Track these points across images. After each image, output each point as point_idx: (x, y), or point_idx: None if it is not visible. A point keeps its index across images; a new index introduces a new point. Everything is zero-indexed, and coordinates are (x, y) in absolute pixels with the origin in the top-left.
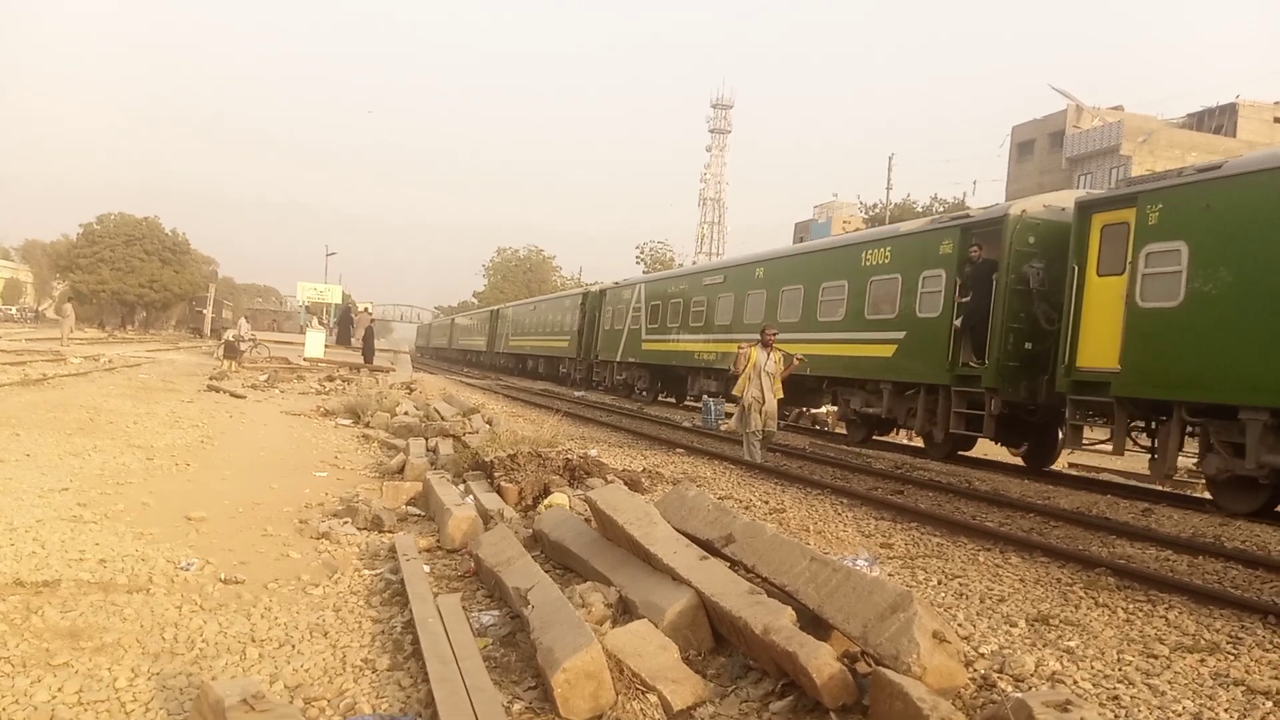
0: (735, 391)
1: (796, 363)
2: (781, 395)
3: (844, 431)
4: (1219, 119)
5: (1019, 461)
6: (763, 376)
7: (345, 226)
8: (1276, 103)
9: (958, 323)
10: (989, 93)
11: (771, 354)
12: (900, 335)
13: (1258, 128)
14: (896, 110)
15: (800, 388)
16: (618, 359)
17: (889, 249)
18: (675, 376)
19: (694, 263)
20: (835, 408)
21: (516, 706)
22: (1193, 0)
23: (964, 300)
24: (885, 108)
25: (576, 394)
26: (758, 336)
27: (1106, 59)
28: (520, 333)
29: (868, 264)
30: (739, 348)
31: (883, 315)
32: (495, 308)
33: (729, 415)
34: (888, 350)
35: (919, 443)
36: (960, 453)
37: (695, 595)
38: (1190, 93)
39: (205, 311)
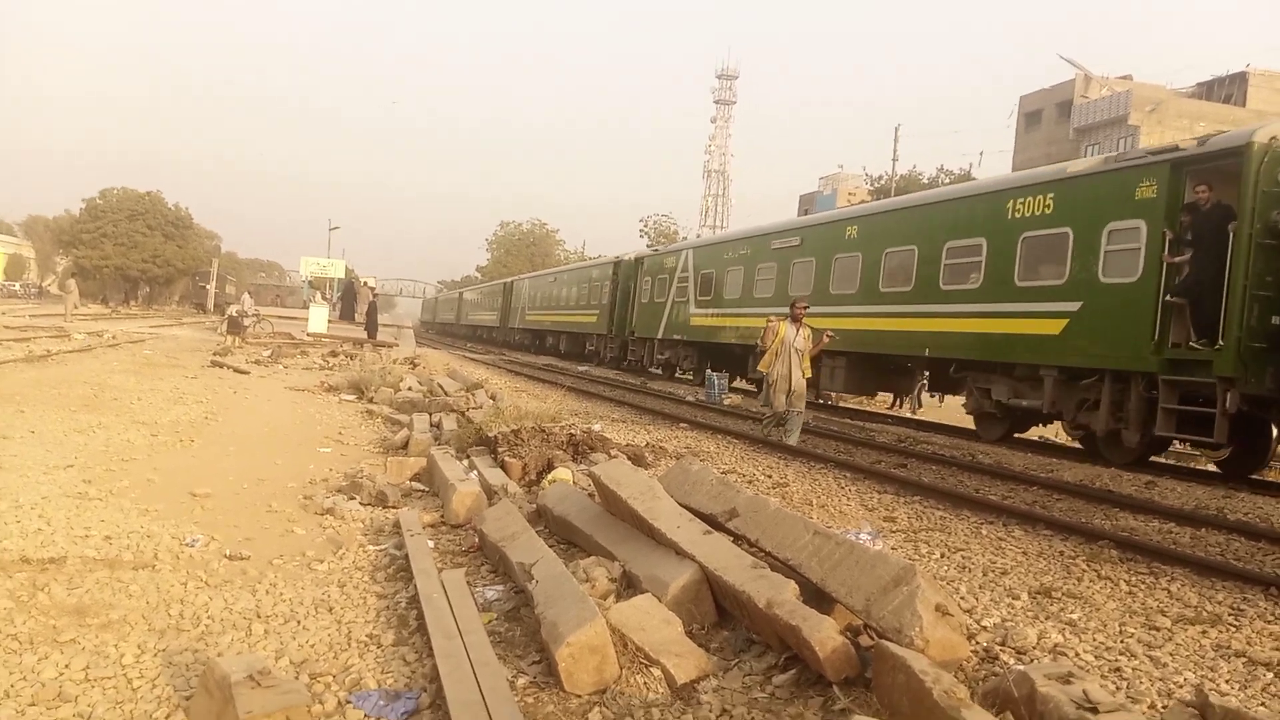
0: (761, 367)
1: (827, 339)
2: (809, 374)
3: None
4: (1229, 88)
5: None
6: (791, 353)
7: (349, 201)
8: None
9: (1171, 294)
10: (995, 64)
11: (801, 329)
12: (1073, 307)
13: (1268, 96)
14: (902, 82)
15: (887, 368)
16: (659, 336)
17: (1051, 196)
18: (731, 356)
19: (698, 232)
20: (964, 397)
21: (521, 681)
22: None
23: (1180, 259)
24: (890, 79)
25: (579, 369)
26: (861, 308)
27: (1116, 31)
28: (538, 307)
29: (1018, 216)
30: (767, 321)
31: (1044, 281)
32: (509, 280)
33: (753, 390)
34: (1054, 326)
35: (1064, 438)
36: (1151, 458)
37: (699, 569)
38: (1194, 65)
39: (209, 287)
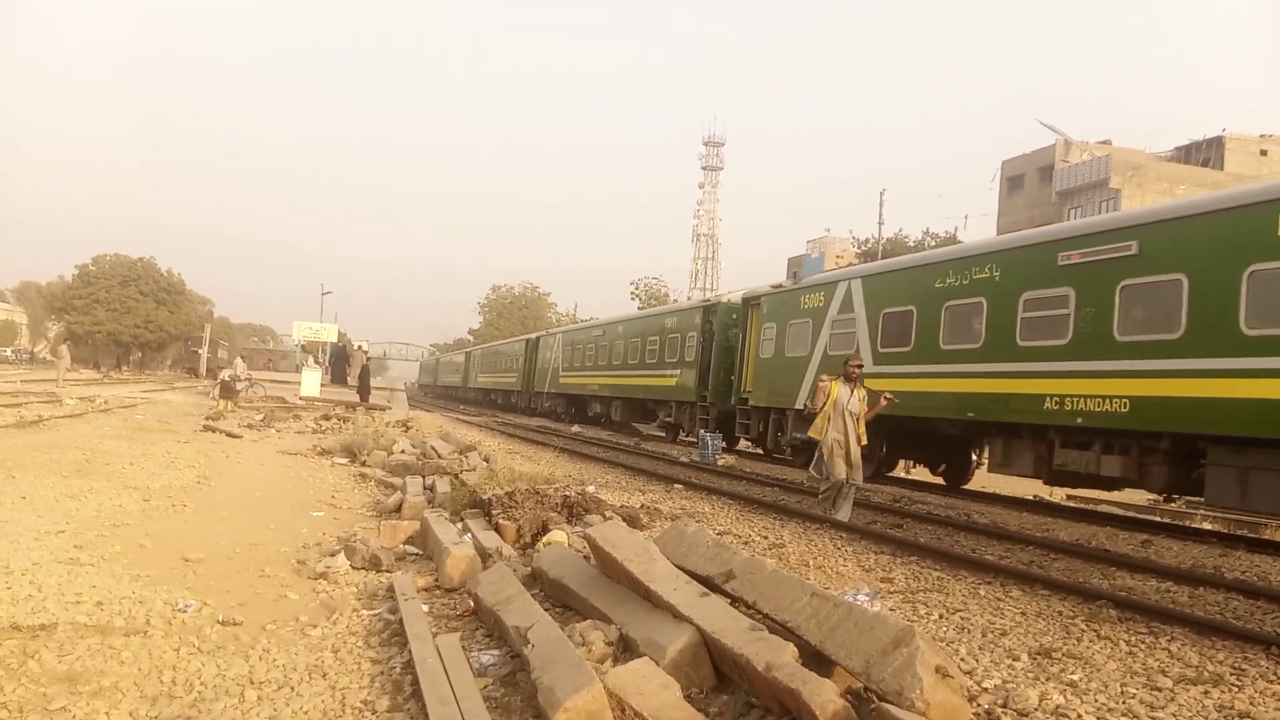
0: (812, 433)
1: (885, 401)
2: (865, 441)
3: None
4: (1206, 152)
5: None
6: (845, 416)
7: (340, 266)
8: (1262, 136)
9: None
10: (977, 129)
11: (856, 390)
12: None
13: (1244, 160)
14: (886, 147)
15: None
16: (795, 405)
17: None
18: (935, 437)
19: (688, 295)
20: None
21: None
22: (1180, 39)
23: None
24: (875, 144)
25: (573, 430)
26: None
27: (1093, 95)
28: (580, 367)
29: None
30: (820, 381)
31: None
32: (535, 335)
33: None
34: None
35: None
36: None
37: (696, 632)
38: (1170, 129)
39: (201, 351)
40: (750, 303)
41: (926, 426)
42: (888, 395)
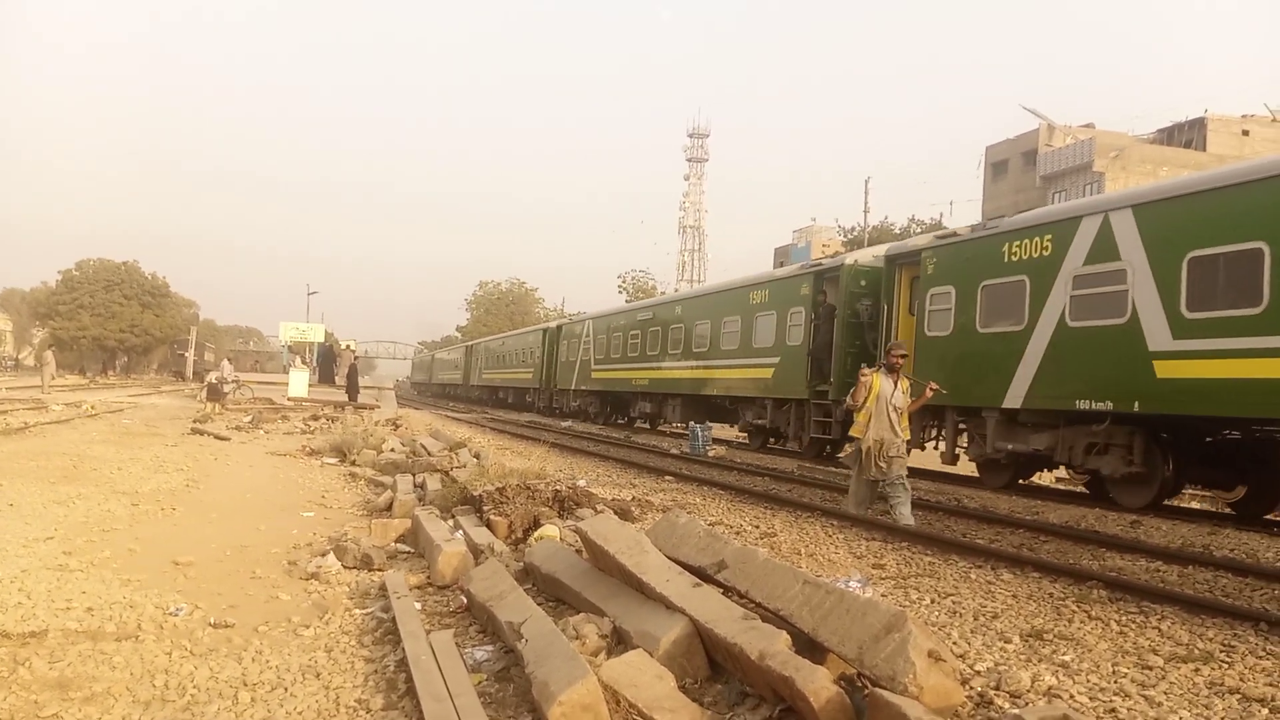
0: (854, 432)
1: (930, 392)
2: (909, 435)
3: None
4: (1188, 134)
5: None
6: (889, 412)
7: (326, 265)
8: (1244, 116)
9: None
10: (961, 117)
11: (899, 382)
12: None
13: (1226, 140)
14: (871, 135)
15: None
16: (1002, 403)
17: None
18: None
19: (675, 287)
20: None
21: None
22: (1160, 24)
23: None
24: (859, 133)
25: (563, 424)
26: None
27: (1076, 79)
28: (620, 359)
29: None
30: (861, 373)
31: None
32: (554, 324)
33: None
34: None
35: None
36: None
37: (689, 623)
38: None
39: (187, 354)
40: (899, 261)
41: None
42: (933, 385)
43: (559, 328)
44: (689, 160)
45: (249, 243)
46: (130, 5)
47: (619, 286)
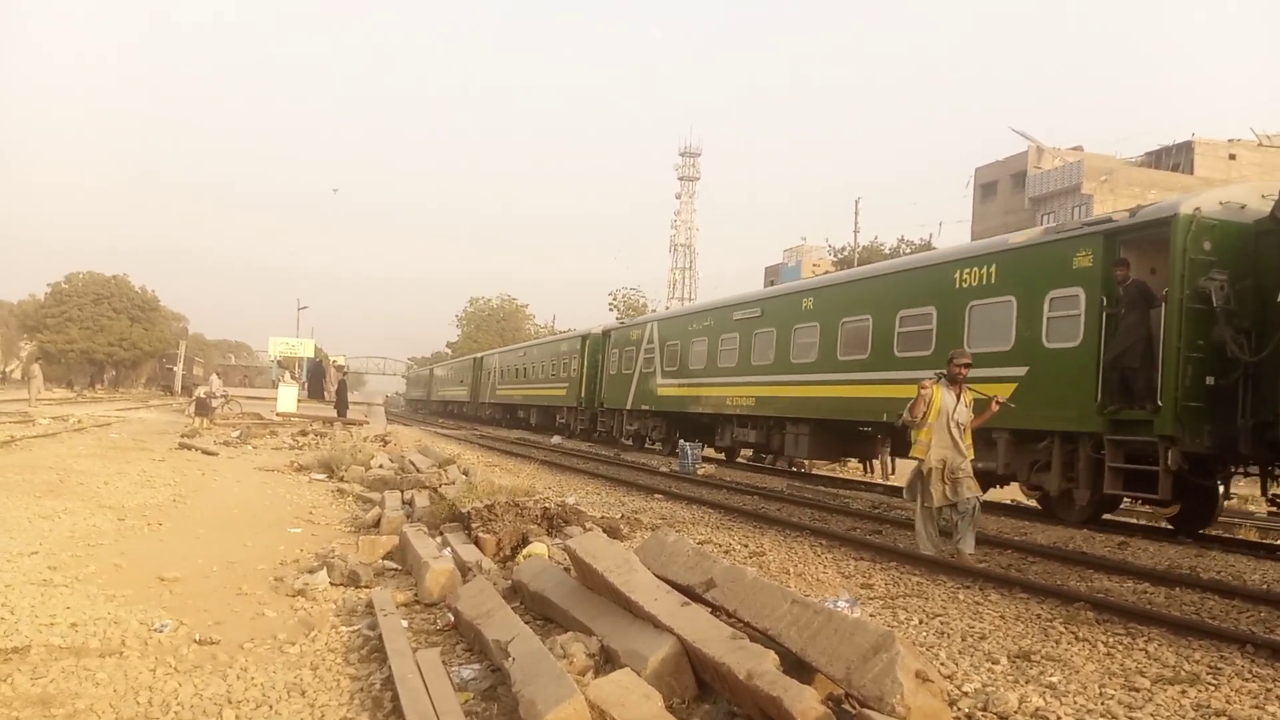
0: (915, 454)
1: (996, 406)
2: (972, 454)
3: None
4: (1176, 157)
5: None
6: (950, 428)
7: (316, 281)
8: (1230, 140)
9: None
10: (951, 138)
11: (962, 395)
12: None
13: (1213, 164)
14: (861, 156)
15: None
16: None
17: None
18: None
19: (666, 305)
20: None
21: None
22: (1150, 45)
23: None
24: (849, 155)
25: (552, 441)
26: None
27: (1066, 103)
28: (701, 372)
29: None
30: (920, 387)
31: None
32: (598, 329)
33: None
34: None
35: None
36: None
37: (677, 642)
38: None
39: (175, 369)
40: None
41: None
42: (999, 399)
43: (606, 333)
44: (680, 179)
45: (239, 257)
46: (122, 15)
47: (610, 304)
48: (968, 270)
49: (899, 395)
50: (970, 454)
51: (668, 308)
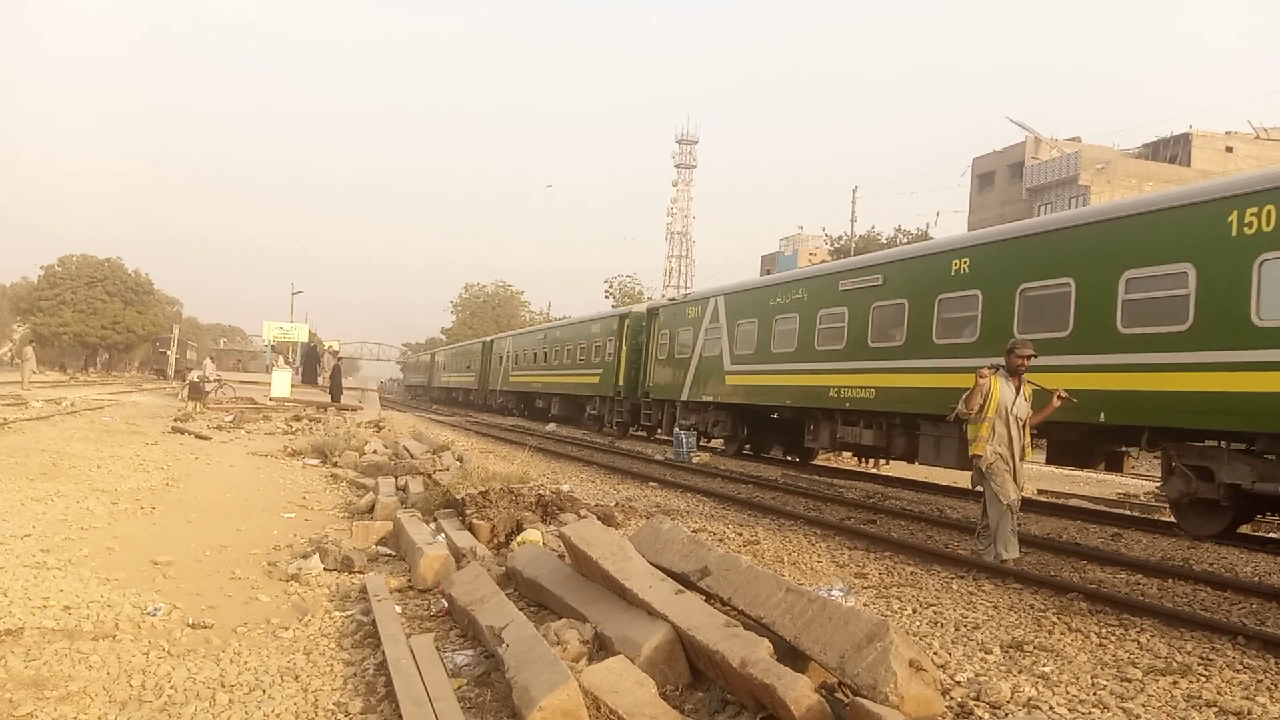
0: (976, 450)
1: (1058, 401)
2: (1030, 454)
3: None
4: (1173, 149)
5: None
6: (1010, 423)
7: (311, 265)
8: (1227, 133)
9: None
10: (949, 128)
11: (1021, 388)
12: None
13: (1211, 156)
14: (858, 146)
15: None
16: None
17: None
18: None
19: (663, 293)
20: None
21: None
22: (1147, 37)
23: None
24: (848, 144)
25: (546, 428)
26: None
27: (1063, 90)
28: (791, 356)
29: None
30: (978, 376)
31: None
32: (640, 307)
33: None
34: None
35: None
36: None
37: (671, 629)
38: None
39: (169, 352)
40: None
41: None
42: (1062, 393)
43: (653, 312)
44: (677, 166)
45: (233, 241)
46: (121, 3)
47: (606, 292)
48: (1255, 209)
49: (1129, 387)
50: (1028, 453)
51: (664, 295)
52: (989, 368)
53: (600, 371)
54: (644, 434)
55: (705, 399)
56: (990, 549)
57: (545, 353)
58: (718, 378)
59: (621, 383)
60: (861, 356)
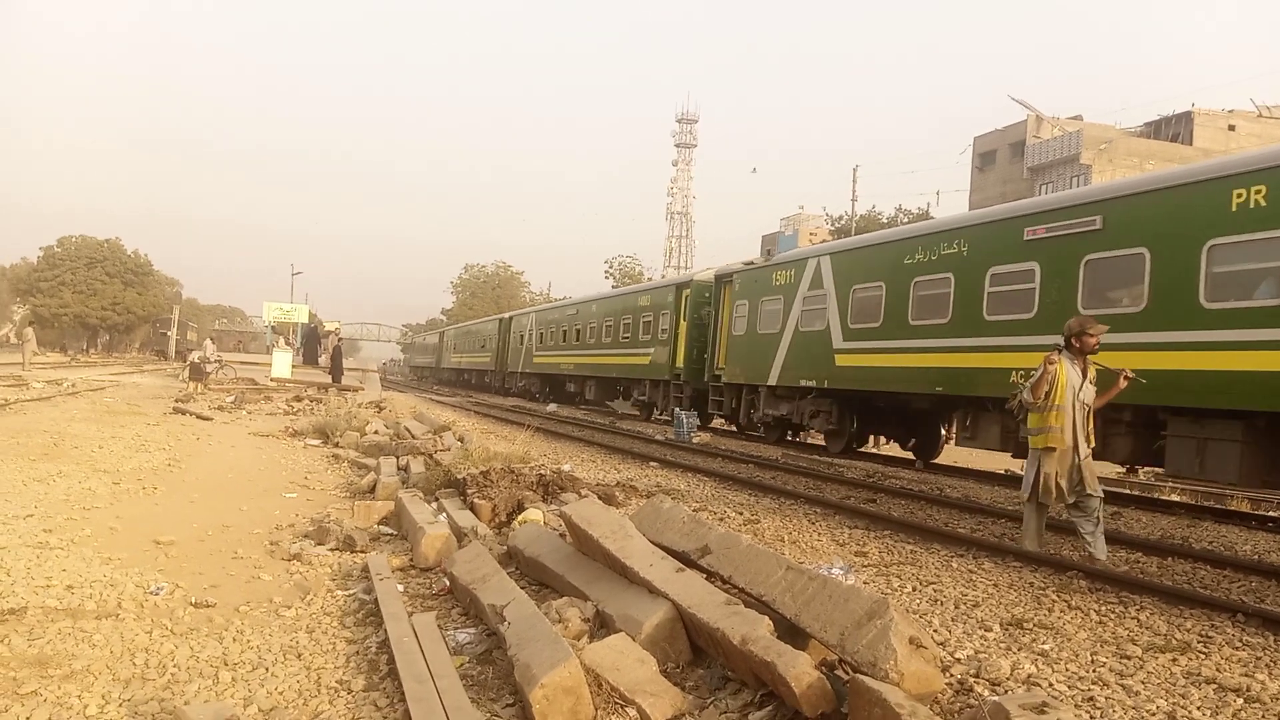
0: (1049, 442)
1: (1125, 382)
2: (1094, 442)
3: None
4: (1175, 127)
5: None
6: (1075, 409)
7: (312, 246)
8: (1229, 111)
9: None
10: (951, 106)
11: (1087, 370)
12: None
13: (1213, 135)
14: (859, 124)
15: None
16: None
17: None
18: None
19: (663, 273)
20: None
21: None
22: (1150, 16)
23: None
24: (848, 121)
25: (547, 409)
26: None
27: (1066, 72)
28: (894, 330)
29: None
30: (1047, 361)
31: None
32: (696, 275)
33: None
34: None
35: None
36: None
37: (672, 607)
38: (1143, 103)
39: (169, 333)
40: None
41: None
42: (1129, 373)
43: (725, 279)
44: (677, 146)
45: (233, 222)
46: None
47: (606, 272)
48: None
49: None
50: (1093, 441)
51: (664, 276)
52: (1055, 350)
53: (651, 351)
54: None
55: (805, 384)
56: (1095, 540)
57: (578, 330)
58: (821, 358)
59: (681, 364)
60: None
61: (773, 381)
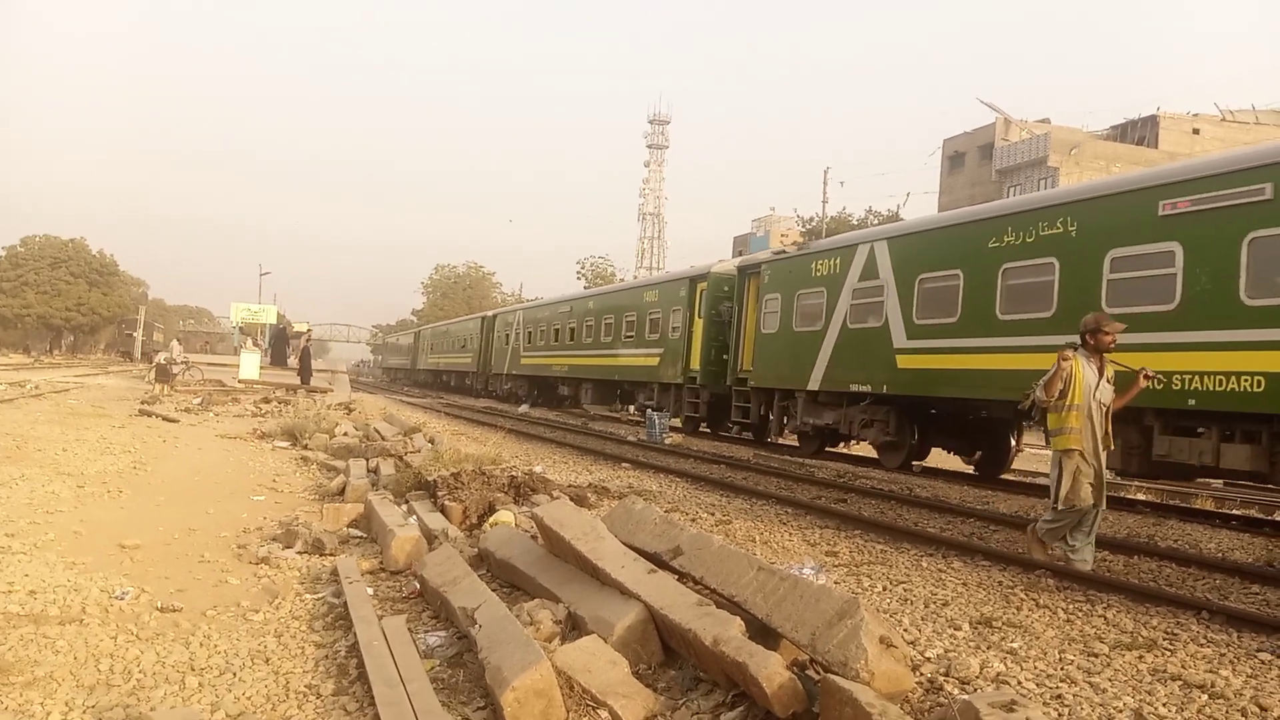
0: (1068, 443)
1: (1144, 382)
2: (1112, 445)
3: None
4: (1141, 131)
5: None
6: (1093, 410)
7: (279, 246)
8: (1194, 115)
9: None
10: (920, 110)
11: (1104, 369)
12: None
13: (1178, 138)
14: (829, 127)
15: None
16: None
17: None
18: None
19: (634, 274)
20: None
21: None
22: (1116, 22)
23: None
24: (819, 124)
25: (519, 410)
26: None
27: (1033, 76)
28: (973, 326)
29: None
30: (1061, 358)
31: None
32: (712, 268)
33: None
34: None
35: None
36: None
37: (644, 609)
38: (1103, 109)
39: (135, 334)
40: None
41: None
42: (1148, 372)
43: (750, 270)
44: (650, 147)
45: (200, 222)
46: None
47: (578, 273)
48: None
49: None
50: (1110, 444)
51: (635, 277)
52: (1070, 348)
53: (660, 351)
54: (732, 431)
55: (856, 388)
56: (1083, 549)
57: (572, 329)
58: (878, 359)
59: (697, 365)
60: (1218, 320)
61: (814, 386)
